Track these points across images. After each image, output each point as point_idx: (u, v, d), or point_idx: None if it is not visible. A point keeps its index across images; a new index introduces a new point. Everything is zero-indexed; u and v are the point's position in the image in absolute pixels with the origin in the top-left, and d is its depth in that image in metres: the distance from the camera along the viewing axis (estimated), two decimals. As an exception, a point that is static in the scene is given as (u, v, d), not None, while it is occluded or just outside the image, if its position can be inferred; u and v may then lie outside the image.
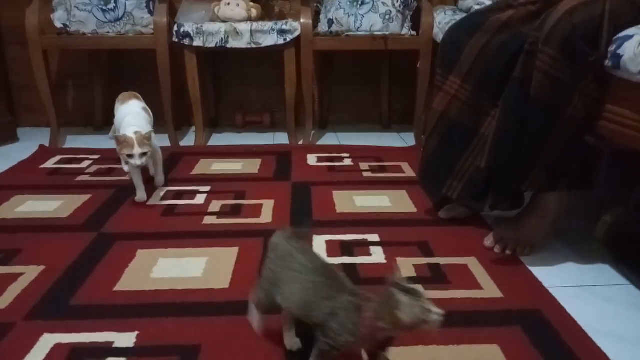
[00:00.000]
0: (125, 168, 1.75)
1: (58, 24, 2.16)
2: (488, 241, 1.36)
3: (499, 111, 1.28)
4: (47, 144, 2.27)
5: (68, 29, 2.16)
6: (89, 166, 1.99)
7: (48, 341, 0.98)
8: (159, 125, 2.40)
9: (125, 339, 0.99)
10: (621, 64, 1.04)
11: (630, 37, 1.05)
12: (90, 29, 2.14)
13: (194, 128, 2.37)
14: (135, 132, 1.53)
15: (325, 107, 2.67)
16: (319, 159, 2.09)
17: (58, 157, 2.10)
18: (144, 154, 1.53)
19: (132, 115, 1.65)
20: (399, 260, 1.29)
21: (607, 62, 1.10)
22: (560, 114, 1.17)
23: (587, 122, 1.19)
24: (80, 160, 2.06)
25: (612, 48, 1.08)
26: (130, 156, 1.51)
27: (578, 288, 1.20)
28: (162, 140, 2.32)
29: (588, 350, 0.96)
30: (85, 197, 1.68)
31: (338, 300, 0.81)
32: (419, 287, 0.76)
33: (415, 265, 1.26)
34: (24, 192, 1.72)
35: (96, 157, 2.10)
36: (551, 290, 1.16)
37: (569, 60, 1.13)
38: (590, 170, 1.31)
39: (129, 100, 1.77)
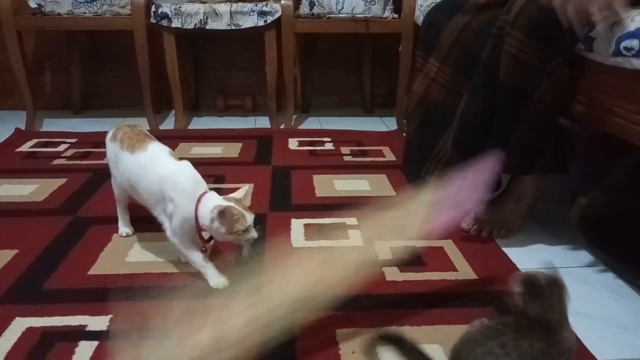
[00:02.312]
0: (196, 259, 1.14)
1: (32, 4, 2.11)
2: (465, 224, 1.37)
3: (465, 93, 1.28)
4: (23, 128, 2.22)
5: (43, 9, 2.10)
6: (66, 150, 1.96)
7: (20, 325, 0.97)
8: (137, 108, 2.38)
9: (99, 323, 0.98)
10: (594, 47, 1.05)
11: (604, 19, 1.05)
12: (66, 9, 2.09)
13: (174, 111, 2.34)
14: (227, 199, 1.09)
15: (308, 91, 2.65)
16: (300, 143, 2.08)
17: (34, 141, 2.06)
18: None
19: (184, 177, 1.12)
20: (376, 243, 1.29)
21: (580, 45, 1.10)
22: (528, 97, 1.18)
23: (557, 105, 1.19)
24: (57, 144, 2.02)
25: (584, 31, 1.09)
26: (246, 230, 1.08)
27: (551, 269, 1.21)
28: (141, 124, 2.29)
29: (558, 330, 0.98)
30: (61, 181, 1.65)
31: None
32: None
33: (392, 248, 1.27)
34: (-2, 176, 1.69)
35: (73, 140, 2.07)
36: (525, 272, 1.18)
37: (536, 43, 1.13)
38: (565, 154, 1.32)
39: (144, 145, 1.18)
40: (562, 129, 1.30)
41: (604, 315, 1.05)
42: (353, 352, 0.91)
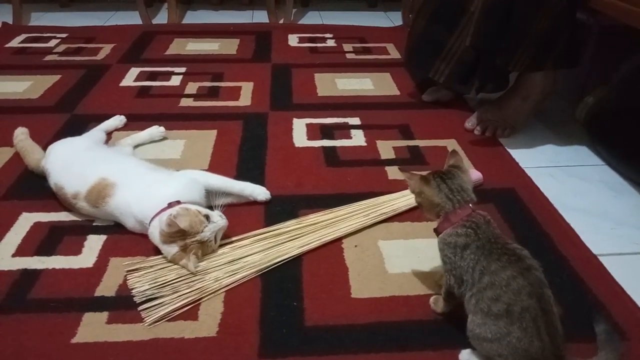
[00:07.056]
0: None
1: None
2: (469, 123, 1.35)
3: None
4: (10, 22, 2.12)
5: None
6: (57, 45, 1.88)
7: (27, 220, 0.99)
8: (127, 1, 2.25)
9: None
10: None
11: None
12: None
13: (166, 5, 2.21)
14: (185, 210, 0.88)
15: (308, -17, 2.50)
16: (301, 40, 2.00)
17: (23, 36, 1.97)
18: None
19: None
20: (379, 143, 1.28)
21: None
22: None
23: None
24: (47, 39, 1.94)
25: None
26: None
27: (553, 168, 1.22)
28: (133, 18, 2.19)
29: (555, 224, 1.00)
30: (55, 78, 1.60)
31: None
32: None
33: (394, 148, 1.26)
34: (-11, 73, 1.63)
35: (63, 35, 1.98)
36: (527, 170, 1.18)
37: None
38: (578, 48, 1.27)
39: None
40: (576, 23, 1.24)
41: (602, 211, 1.06)
42: (355, 246, 0.94)
